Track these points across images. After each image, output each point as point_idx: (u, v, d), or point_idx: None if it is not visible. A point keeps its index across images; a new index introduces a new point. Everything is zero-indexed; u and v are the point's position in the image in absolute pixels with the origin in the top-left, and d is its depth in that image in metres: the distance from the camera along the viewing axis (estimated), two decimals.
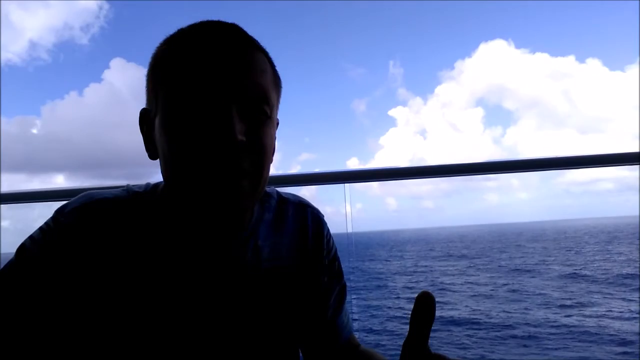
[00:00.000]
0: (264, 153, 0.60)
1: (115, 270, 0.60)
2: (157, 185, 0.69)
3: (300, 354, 0.78)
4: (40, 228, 0.62)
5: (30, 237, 0.61)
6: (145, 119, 0.65)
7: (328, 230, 0.79)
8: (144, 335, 0.60)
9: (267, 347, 0.68)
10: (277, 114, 0.67)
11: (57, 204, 0.65)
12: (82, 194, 0.64)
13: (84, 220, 0.61)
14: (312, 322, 0.76)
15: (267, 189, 0.75)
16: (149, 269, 0.62)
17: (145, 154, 0.66)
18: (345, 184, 1.56)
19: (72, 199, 0.64)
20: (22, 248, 0.60)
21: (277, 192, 0.78)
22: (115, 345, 0.61)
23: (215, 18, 0.63)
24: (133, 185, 0.69)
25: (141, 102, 0.67)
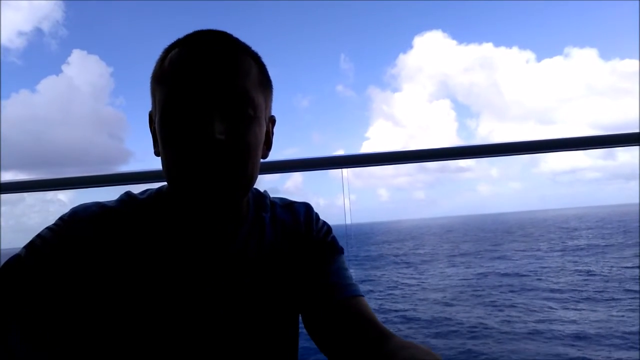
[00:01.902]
0: (247, 150, 0.64)
1: (117, 268, 0.64)
2: (161, 188, 0.75)
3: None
4: (49, 227, 0.65)
5: (39, 235, 0.64)
6: (151, 120, 0.71)
7: (316, 213, 0.84)
8: (148, 329, 0.64)
9: (270, 338, 0.71)
10: (268, 112, 0.73)
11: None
12: (91, 202, 0.70)
13: (90, 223, 0.65)
14: (310, 291, 0.75)
15: (261, 192, 0.82)
16: (152, 265, 0.66)
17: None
18: (343, 169, 1.53)
19: (78, 205, 0.69)
20: (31, 245, 0.63)
21: (268, 195, 0.84)
22: (118, 339, 0.63)
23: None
24: (136, 193, 0.75)
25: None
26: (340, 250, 0.81)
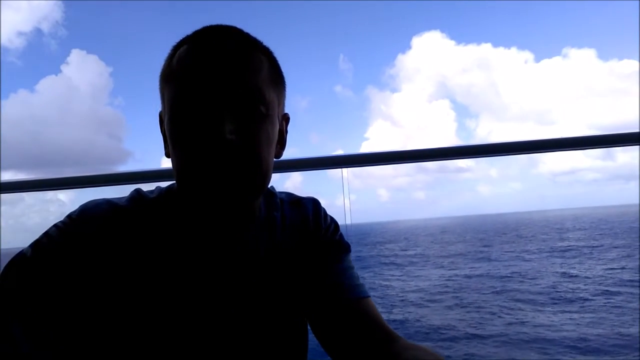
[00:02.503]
0: (259, 150, 0.62)
1: (125, 267, 0.63)
2: (171, 186, 0.73)
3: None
4: (57, 225, 0.63)
5: (46, 233, 0.62)
6: (161, 121, 0.69)
7: (324, 209, 0.82)
8: (156, 330, 0.63)
9: (279, 339, 0.71)
10: (281, 110, 0.70)
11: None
12: (98, 199, 0.68)
13: (99, 221, 0.64)
14: (316, 291, 0.74)
15: (271, 190, 0.80)
16: (161, 265, 0.64)
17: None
18: (343, 169, 1.52)
19: (88, 202, 0.67)
20: (37, 243, 0.61)
21: (276, 191, 0.82)
22: (126, 340, 0.62)
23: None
24: (146, 191, 0.73)
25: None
26: (348, 249, 0.80)
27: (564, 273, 23.72)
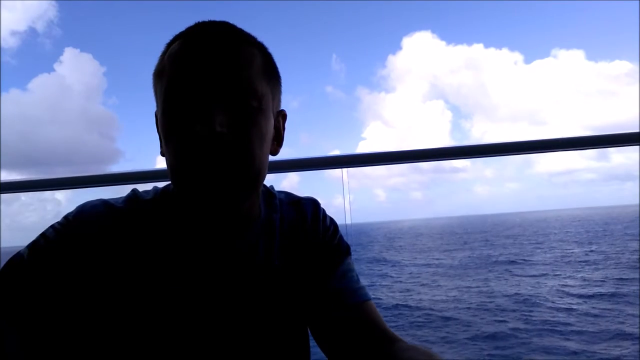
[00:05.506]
0: (250, 143, 0.61)
1: (121, 268, 0.62)
2: (167, 186, 0.72)
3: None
4: (53, 226, 0.63)
5: (43, 234, 0.62)
6: (157, 121, 0.68)
7: (323, 210, 0.81)
8: (152, 333, 0.62)
9: (279, 343, 0.69)
10: (277, 105, 0.70)
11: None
12: (95, 200, 0.68)
13: (95, 223, 0.63)
14: (317, 297, 0.73)
15: (269, 189, 0.78)
16: (157, 267, 0.63)
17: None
18: (343, 169, 1.52)
19: (84, 203, 0.67)
20: (35, 244, 0.62)
21: (275, 191, 0.80)
22: (122, 342, 0.62)
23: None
24: (142, 192, 0.72)
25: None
26: (348, 251, 0.79)
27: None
